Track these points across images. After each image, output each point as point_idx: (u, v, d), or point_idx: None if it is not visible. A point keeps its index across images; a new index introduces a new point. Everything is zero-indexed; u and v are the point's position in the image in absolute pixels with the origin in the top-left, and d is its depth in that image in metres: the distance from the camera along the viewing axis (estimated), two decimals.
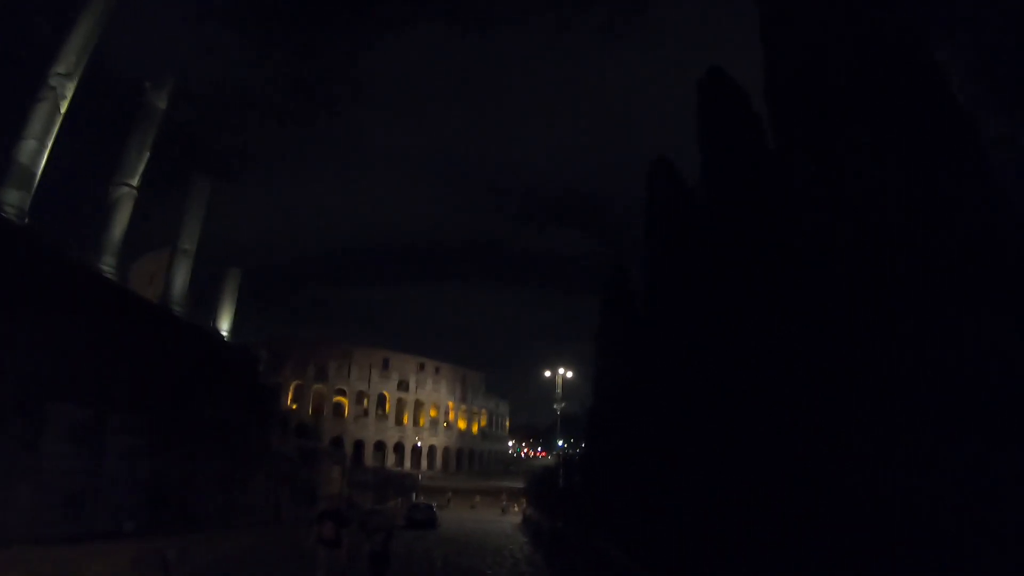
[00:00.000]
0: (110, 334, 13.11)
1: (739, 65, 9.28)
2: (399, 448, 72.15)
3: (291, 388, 65.91)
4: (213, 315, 26.75)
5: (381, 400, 72.75)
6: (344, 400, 70.26)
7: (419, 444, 73.54)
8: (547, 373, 29.31)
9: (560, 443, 40.59)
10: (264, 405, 22.59)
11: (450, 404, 79.55)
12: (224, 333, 26.34)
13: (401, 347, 77.91)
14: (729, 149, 7.60)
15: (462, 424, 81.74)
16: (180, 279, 22.84)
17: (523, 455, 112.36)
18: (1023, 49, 5.11)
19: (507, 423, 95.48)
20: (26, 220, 14.73)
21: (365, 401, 71.58)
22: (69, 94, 16.42)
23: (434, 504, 32.31)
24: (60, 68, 16.29)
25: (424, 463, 72.49)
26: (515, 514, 39.14)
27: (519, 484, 44.07)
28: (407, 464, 70.04)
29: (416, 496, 39.49)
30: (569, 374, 28.89)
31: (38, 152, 15.51)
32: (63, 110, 16.26)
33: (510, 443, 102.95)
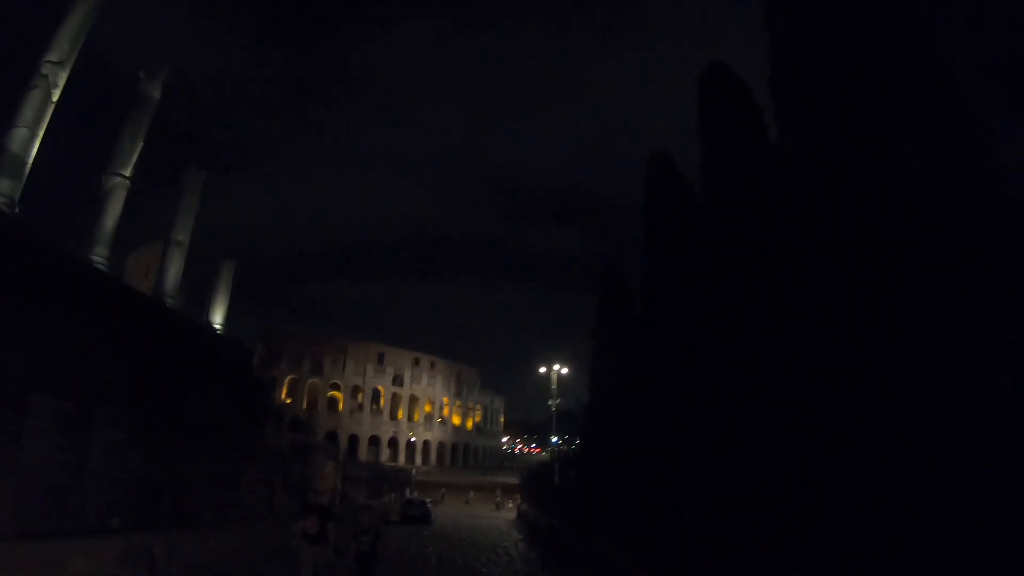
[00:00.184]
0: (99, 326, 12.94)
1: (739, 65, 9.26)
2: (393, 443, 72.11)
3: (286, 382, 65.66)
4: (206, 308, 26.60)
5: (376, 395, 72.65)
6: (339, 395, 70.08)
7: (413, 439, 73.52)
8: (542, 369, 29.35)
9: (555, 439, 40.64)
10: (258, 399, 22.45)
11: (445, 399, 79.55)
12: (217, 326, 26.18)
13: (397, 343, 77.97)
14: (730, 145, 7.57)
15: (457, 420, 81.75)
16: (173, 271, 22.70)
17: (518, 451, 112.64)
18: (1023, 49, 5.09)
19: (502, 419, 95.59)
20: (16, 210, 14.54)
21: (360, 396, 71.44)
22: (61, 83, 16.20)
23: (428, 500, 32.37)
24: (53, 56, 16.06)
25: (418, 458, 72.46)
26: (509, 510, 39.22)
27: (513, 480, 44.14)
28: (401, 459, 69.94)
29: (410, 492, 39.49)
30: (564, 370, 28.95)
31: (29, 141, 15.30)
32: (55, 99, 16.04)
33: (505, 439, 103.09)
